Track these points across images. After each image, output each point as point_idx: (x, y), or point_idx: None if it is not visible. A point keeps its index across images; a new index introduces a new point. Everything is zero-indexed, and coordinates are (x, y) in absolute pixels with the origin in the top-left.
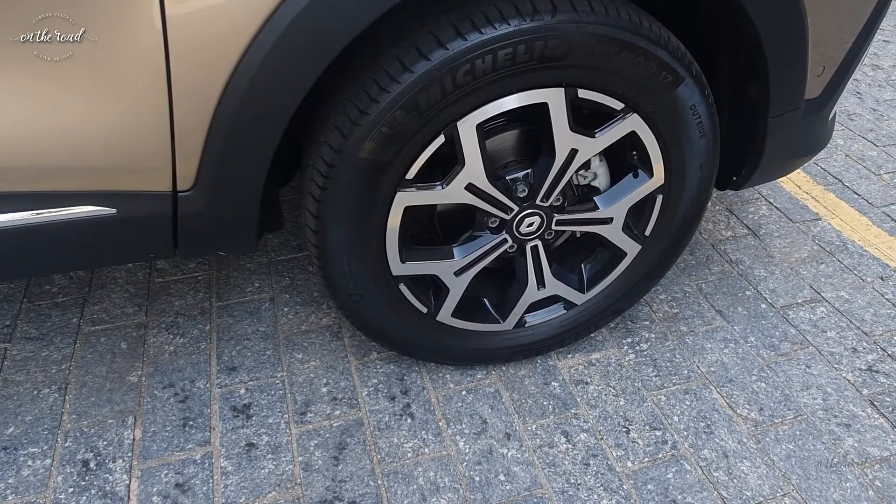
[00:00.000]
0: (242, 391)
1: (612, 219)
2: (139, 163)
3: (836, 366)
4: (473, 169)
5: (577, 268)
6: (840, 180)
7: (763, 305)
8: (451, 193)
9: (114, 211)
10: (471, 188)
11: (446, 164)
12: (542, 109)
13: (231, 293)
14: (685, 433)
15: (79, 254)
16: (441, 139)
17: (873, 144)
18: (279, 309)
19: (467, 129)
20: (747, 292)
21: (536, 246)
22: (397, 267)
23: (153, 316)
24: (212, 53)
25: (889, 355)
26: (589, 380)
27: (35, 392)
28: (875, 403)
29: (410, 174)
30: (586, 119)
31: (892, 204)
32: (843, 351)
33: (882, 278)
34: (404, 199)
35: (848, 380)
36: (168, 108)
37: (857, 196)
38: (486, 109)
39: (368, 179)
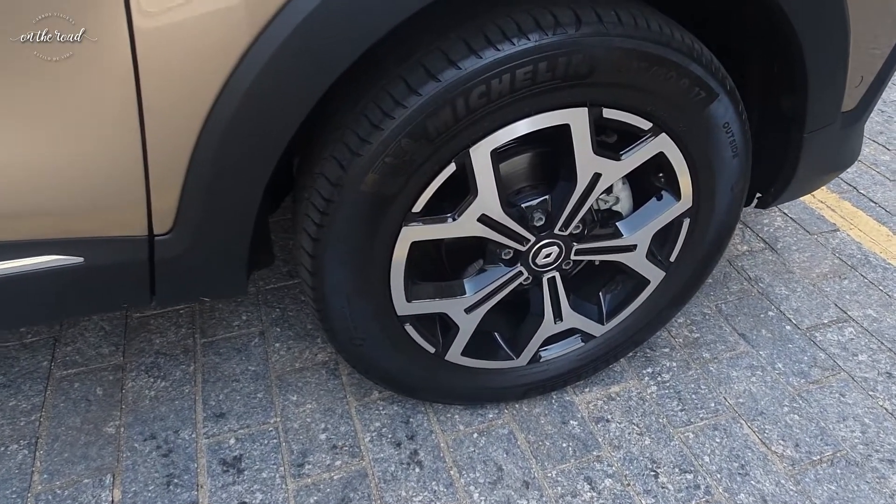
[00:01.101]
0: (232, 441)
1: (635, 246)
2: (107, 204)
3: (871, 393)
4: (487, 199)
5: (594, 296)
6: (855, 188)
7: (788, 327)
8: (463, 226)
9: (80, 260)
10: (484, 219)
11: (455, 194)
12: (562, 131)
13: (216, 328)
14: (718, 475)
15: (42, 307)
16: (452, 168)
17: (885, 148)
18: (270, 345)
19: (481, 155)
20: (770, 313)
21: (554, 277)
22: (403, 306)
23: (131, 356)
24: (192, 73)
25: None
26: (610, 417)
27: (2, 448)
28: None
29: (417, 207)
30: (604, 137)
31: None
32: (877, 376)
33: None
34: (411, 233)
35: (886, 409)
36: (140, 139)
37: (873, 204)
38: (502, 134)
39: (371, 214)
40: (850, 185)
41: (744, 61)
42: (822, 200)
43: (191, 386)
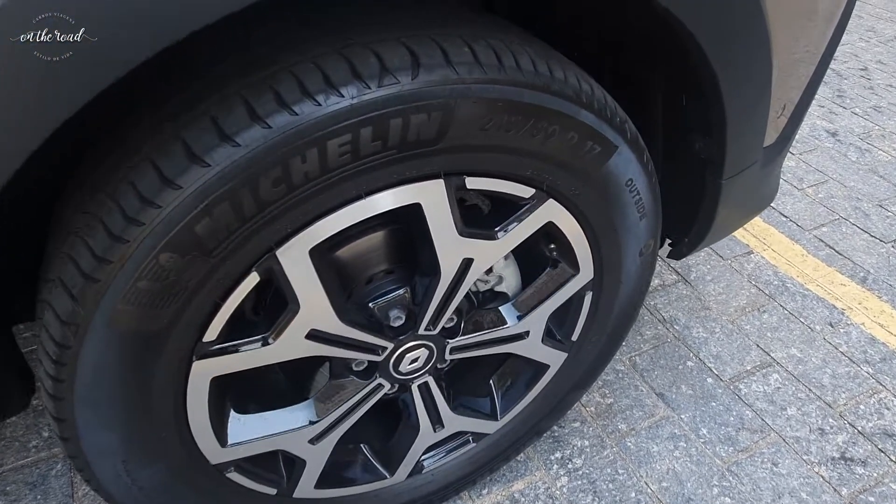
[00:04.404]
0: None
1: (527, 332)
2: None
3: (805, 457)
4: (315, 311)
5: (484, 387)
6: None
7: (709, 379)
8: (286, 348)
9: None
10: (316, 336)
11: (273, 301)
12: (413, 211)
13: (4, 454)
14: None
15: None
16: (254, 278)
17: (789, 153)
18: (76, 472)
19: (295, 258)
20: (689, 362)
21: (426, 383)
22: (217, 454)
23: None
24: None
25: (860, 432)
26: None
27: None
28: None
29: (210, 335)
30: (476, 207)
31: (823, 225)
32: (808, 434)
33: (831, 325)
34: (207, 369)
35: (822, 477)
36: None
37: (784, 218)
38: (322, 227)
39: (133, 358)
40: None
41: (644, 89)
42: None
43: None
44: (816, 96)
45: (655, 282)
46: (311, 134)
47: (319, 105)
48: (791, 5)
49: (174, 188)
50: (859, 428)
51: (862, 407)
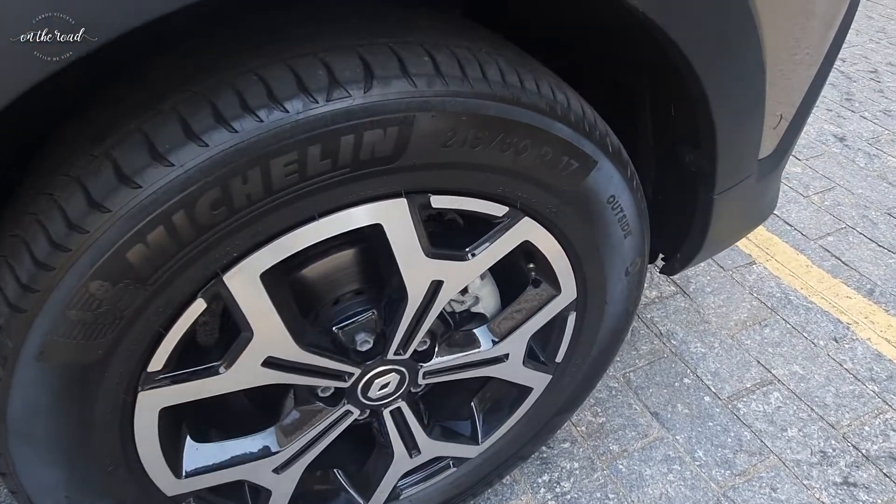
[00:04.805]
0: None
1: (507, 355)
2: None
3: (805, 482)
4: (270, 338)
5: (464, 409)
6: None
7: (707, 398)
8: (241, 377)
9: None
10: (273, 363)
11: (227, 326)
12: (376, 231)
13: None
14: None
15: None
16: (200, 305)
17: (795, 158)
18: None
19: (244, 283)
20: (686, 379)
21: (399, 408)
22: (172, 486)
23: None
24: None
25: (864, 455)
26: None
27: None
28: None
29: (155, 364)
30: (452, 224)
31: (829, 234)
32: (810, 458)
33: (836, 340)
34: (154, 400)
35: (824, 503)
36: None
37: (789, 227)
38: (271, 251)
39: (68, 391)
40: None
41: (631, 97)
42: None
43: None
44: (823, 99)
45: (652, 294)
46: (252, 152)
47: (261, 121)
48: (785, 5)
49: (103, 211)
50: (864, 451)
51: (867, 428)
